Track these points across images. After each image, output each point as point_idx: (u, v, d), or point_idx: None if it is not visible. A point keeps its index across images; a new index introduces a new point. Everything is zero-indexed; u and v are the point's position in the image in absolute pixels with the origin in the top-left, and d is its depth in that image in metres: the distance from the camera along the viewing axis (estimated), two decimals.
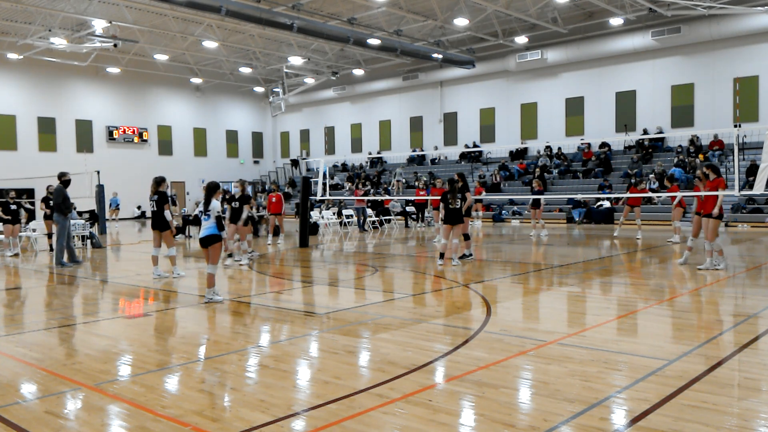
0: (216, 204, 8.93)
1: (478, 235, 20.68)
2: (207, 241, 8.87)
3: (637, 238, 17.42)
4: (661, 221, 23.31)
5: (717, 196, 10.67)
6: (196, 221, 10.53)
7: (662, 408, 4.32)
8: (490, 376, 5.13)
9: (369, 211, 24.05)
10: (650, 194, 17.99)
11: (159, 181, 11.14)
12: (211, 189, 9.03)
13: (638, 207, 17.75)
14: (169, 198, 11.12)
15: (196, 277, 11.39)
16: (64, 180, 13.52)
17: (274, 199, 18.34)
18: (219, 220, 8.96)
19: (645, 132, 27.31)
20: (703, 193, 11.08)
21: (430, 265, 12.69)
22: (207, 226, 8.89)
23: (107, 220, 35.21)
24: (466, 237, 13.37)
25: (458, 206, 12.16)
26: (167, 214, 11.04)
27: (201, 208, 9.02)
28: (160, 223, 11.15)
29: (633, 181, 18.30)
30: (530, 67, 30.54)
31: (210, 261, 8.87)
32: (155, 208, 11.18)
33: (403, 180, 32.83)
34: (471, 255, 13.35)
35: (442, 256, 12.50)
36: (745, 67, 25.21)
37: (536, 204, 19.05)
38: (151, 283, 10.94)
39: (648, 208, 24.47)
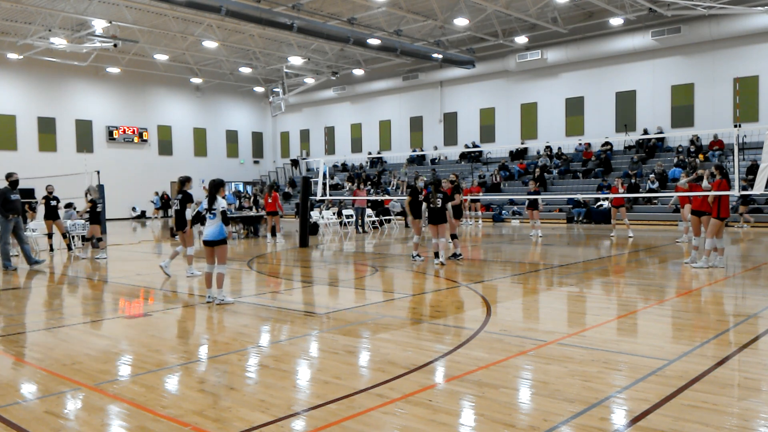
0: (222, 201, 8.74)
1: (478, 234, 20.67)
2: (213, 242, 8.72)
3: (629, 237, 17.54)
4: (662, 221, 23.31)
5: (722, 197, 10.86)
6: (196, 219, 10.56)
7: (662, 408, 4.32)
8: (490, 376, 5.13)
9: (369, 211, 24.04)
10: (627, 195, 18.38)
11: (183, 181, 11.06)
12: (216, 186, 8.82)
13: (623, 207, 18.23)
14: (193, 197, 11.28)
15: (196, 278, 11.38)
16: (11, 181, 13.17)
17: (270, 200, 18.65)
18: (225, 216, 8.79)
19: (645, 132, 27.31)
20: (699, 194, 11.21)
21: (430, 265, 12.68)
22: (213, 227, 8.72)
23: (149, 218, 35.65)
24: (453, 236, 13.49)
25: (439, 206, 12.26)
26: (188, 213, 10.98)
27: (205, 205, 8.80)
28: (181, 222, 11.14)
29: (615, 182, 18.66)
30: (530, 67, 30.54)
31: (218, 261, 8.69)
32: (178, 207, 11.11)
33: (406, 180, 32.79)
34: (461, 255, 13.36)
35: (437, 255, 12.52)
36: (745, 67, 25.21)
37: (533, 205, 19.12)
38: (151, 283, 10.94)
39: (649, 208, 24.49)
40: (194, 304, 8.88)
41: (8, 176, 13.28)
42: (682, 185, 13.74)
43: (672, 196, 18.42)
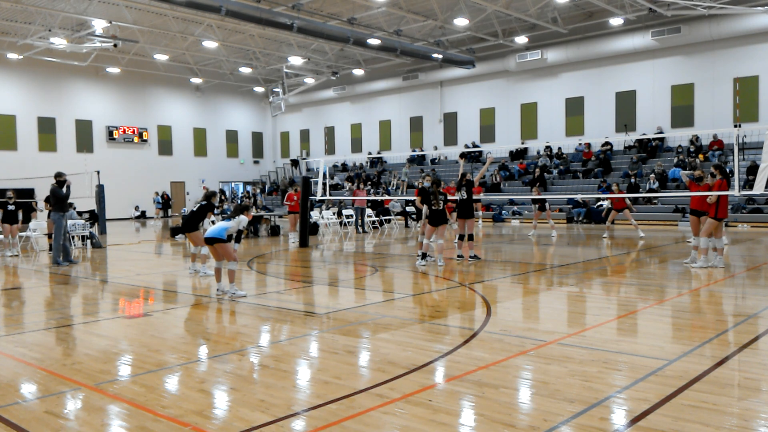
0: (244, 219, 9.25)
1: (478, 234, 20.66)
2: (210, 239, 9.18)
3: (641, 237, 17.54)
4: (662, 221, 23.31)
5: (722, 197, 10.85)
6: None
7: (662, 408, 4.32)
8: (490, 376, 5.13)
9: (369, 211, 24.03)
10: (628, 195, 18.40)
11: (209, 196, 11.58)
12: (243, 208, 9.40)
13: (626, 209, 18.02)
14: (215, 208, 11.85)
15: (196, 277, 11.39)
16: (59, 180, 13.94)
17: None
18: (239, 234, 9.42)
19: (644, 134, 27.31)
20: (698, 194, 11.22)
21: (430, 265, 12.67)
22: (218, 227, 9.18)
23: (151, 218, 35.71)
24: (461, 237, 13.44)
25: (441, 207, 12.23)
26: (206, 221, 11.75)
27: (228, 212, 9.32)
28: (190, 225, 11.44)
29: (613, 187, 18.64)
30: (530, 67, 30.54)
31: (226, 258, 9.19)
32: (195, 210, 11.44)
33: (407, 180, 32.79)
34: (461, 257, 13.34)
35: (424, 256, 12.47)
36: (745, 67, 25.21)
37: (540, 206, 19.15)
38: (151, 283, 10.94)
39: (649, 208, 24.49)
40: (194, 304, 8.88)
41: (58, 175, 14.04)
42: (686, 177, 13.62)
43: (672, 196, 18.47)
